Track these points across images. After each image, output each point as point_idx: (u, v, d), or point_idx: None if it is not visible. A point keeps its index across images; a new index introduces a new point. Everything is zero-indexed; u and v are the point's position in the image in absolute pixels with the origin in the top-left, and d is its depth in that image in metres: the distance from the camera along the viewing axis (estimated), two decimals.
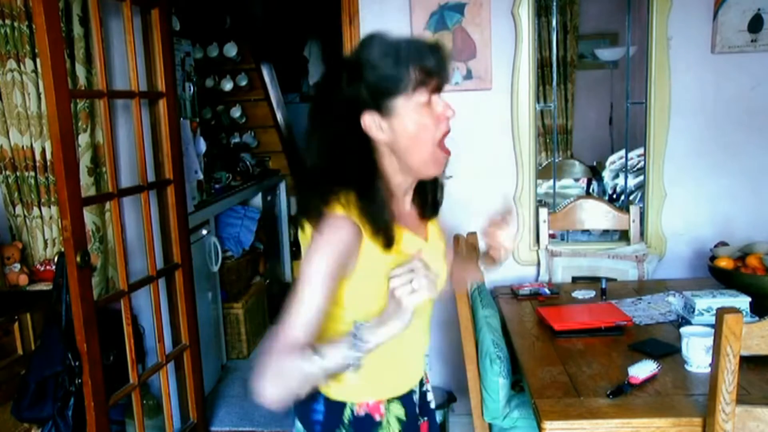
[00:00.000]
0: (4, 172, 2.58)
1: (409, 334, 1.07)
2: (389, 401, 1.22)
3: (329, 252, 1.08)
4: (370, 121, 1.11)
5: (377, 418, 1.20)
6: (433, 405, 1.41)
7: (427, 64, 1.10)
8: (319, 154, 1.15)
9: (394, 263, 1.06)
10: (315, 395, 1.19)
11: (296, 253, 4.73)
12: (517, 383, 2.11)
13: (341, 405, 1.19)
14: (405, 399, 1.24)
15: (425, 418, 1.35)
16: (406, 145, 1.12)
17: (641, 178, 2.99)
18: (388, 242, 1.12)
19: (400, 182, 1.18)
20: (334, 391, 1.19)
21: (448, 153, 1.17)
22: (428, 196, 1.27)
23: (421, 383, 1.33)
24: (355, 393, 1.19)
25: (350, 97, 1.10)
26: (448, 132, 1.16)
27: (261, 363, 1.06)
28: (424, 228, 1.27)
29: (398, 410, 1.23)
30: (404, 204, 1.23)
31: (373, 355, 1.08)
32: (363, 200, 1.11)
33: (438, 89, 1.14)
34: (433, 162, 1.15)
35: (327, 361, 1.02)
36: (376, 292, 1.09)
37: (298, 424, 1.25)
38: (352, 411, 1.19)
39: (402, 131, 1.11)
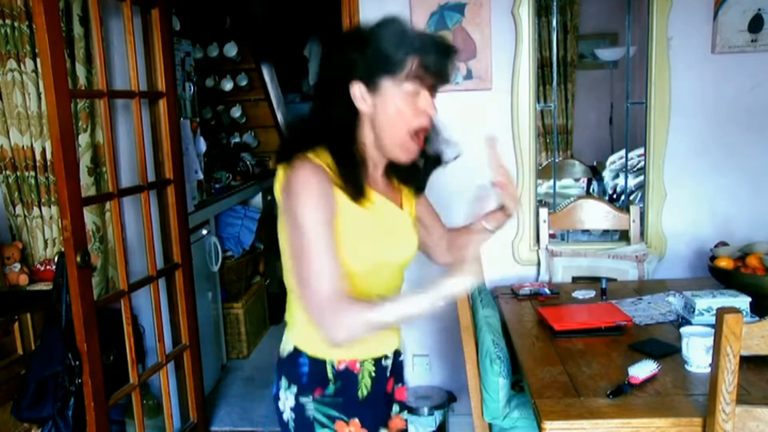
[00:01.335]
0: (4, 172, 2.58)
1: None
2: (363, 361, 1.34)
3: (310, 192, 1.15)
4: (355, 91, 1.19)
5: (355, 372, 1.33)
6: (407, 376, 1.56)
7: (427, 61, 1.17)
8: (311, 111, 1.26)
9: (369, 218, 1.22)
10: (297, 353, 1.33)
11: None
12: (517, 383, 2.11)
13: (322, 361, 1.31)
14: (376, 361, 1.37)
15: (401, 384, 1.49)
16: (382, 125, 1.21)
17: (641, 178, 2.99)
18: (356, 192, 1.21)
19: (372, 154, 1.27)
20: (312, 350, 1.31)
21: (420, 145, 1.25)
22: (416, 175, 1.37)
23: (398, 354, 1.45)
24: (333, 352, 1.30)
25: (346, 63, 1.19)
26: (425, 128, 1.24)
27: (324, 310, 1.14)
28: (399, 198, 1.37)
29: (370, 367, 1.35)
30: (375, 173, 1.32)
31: None
32: (334, 153, 1.20)
33: (432, 87, 1.21)
34: (402, 149, 1.24)
35: (412, 306, 1.17)
36: (356, 245, 1.22)
37: (283, 381, 1.34)
38: (333, 366, 1.31)
39: (381, 110, 1.19)
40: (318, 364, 1.31)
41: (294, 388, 1.32)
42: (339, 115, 1.21)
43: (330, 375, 1.31)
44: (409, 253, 1.37)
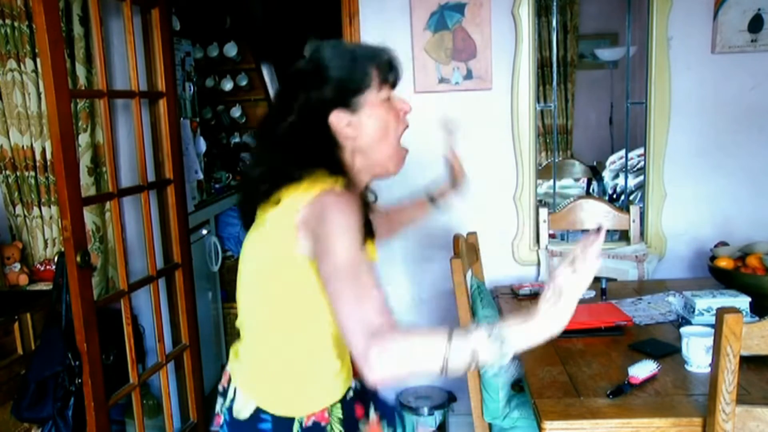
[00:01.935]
0: (4, 172, 2.58)
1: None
2: (332, 406, 1.23)
3: (351, 218, 1.04)
4: (337, 120, 1.15)
5: (323, 423, 1.21)
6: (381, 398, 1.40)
7: (384, 63, 1.18)
8: (287, 160, 1.13)
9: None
10: (258, 415, 1.19)
11: None
12: (517, 383, 2.11)
13: (289, 420, 1.19)
14: (342, 400, 1.25)
15: (378, 413, 1.35)
16: (374, 140, 1.17)
17: (641, 178, 2.99)
18: (368, 234, 1.13)
19: (359, 181, 1.21)
20: (280, 409, 1.19)
21: (406, 150, 1.22)
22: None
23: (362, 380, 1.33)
24: (302, 407, 1.20)
25: (315, 100, 1.14)
26: (406, 128, 1.21)
27: (372, 342, 0.95)
28: None
29: (338, 412, 1.24)
30: None
31: (315, 362, 1.17)
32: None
33: (393, 86, 1.20)
34: (395, 158, 1.21)
35: (464, 353, 0.91)
36: None
37: None
38: (300, 424, 1.19)
39: (370, 126, 1.17)
40: (283, 424, 1.18)
41: None
42: (330, 153, 1.14)
43: None
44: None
